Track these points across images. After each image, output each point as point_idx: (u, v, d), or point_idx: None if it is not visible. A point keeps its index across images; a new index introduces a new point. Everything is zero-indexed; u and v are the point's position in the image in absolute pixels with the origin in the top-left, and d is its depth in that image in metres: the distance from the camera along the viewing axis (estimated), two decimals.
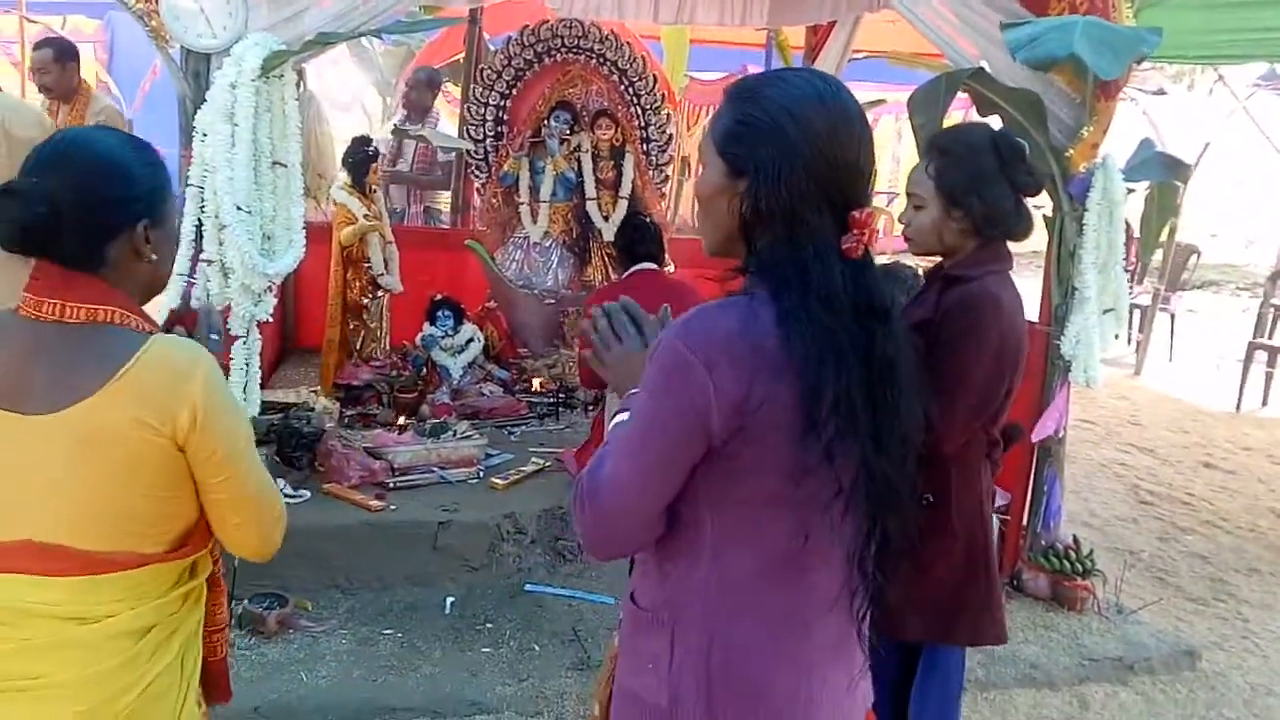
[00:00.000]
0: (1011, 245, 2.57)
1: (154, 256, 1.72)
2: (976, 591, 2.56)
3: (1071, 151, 4.20)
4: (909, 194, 2.56)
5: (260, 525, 1.77)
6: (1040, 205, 4.58)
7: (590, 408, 5.60)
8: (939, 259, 2.59)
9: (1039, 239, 4.99)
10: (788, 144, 1.46)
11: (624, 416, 1.60)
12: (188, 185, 3.56)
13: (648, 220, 4.89)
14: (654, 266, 4.61)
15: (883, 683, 2.62)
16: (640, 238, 4.62)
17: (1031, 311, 4.66)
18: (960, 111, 7.38)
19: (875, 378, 1.48)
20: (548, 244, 6.66)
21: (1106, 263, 4.32)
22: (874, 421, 1.47)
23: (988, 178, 2.46)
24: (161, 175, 1.76)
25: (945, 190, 2.48)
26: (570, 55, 6.61)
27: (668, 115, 6.96)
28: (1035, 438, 4.40)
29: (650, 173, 6.82)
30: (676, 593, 1.57)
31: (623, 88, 6.73)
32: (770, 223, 1.48)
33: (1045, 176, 2.53)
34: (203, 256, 3.59)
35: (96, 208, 1.65)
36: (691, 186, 9.23)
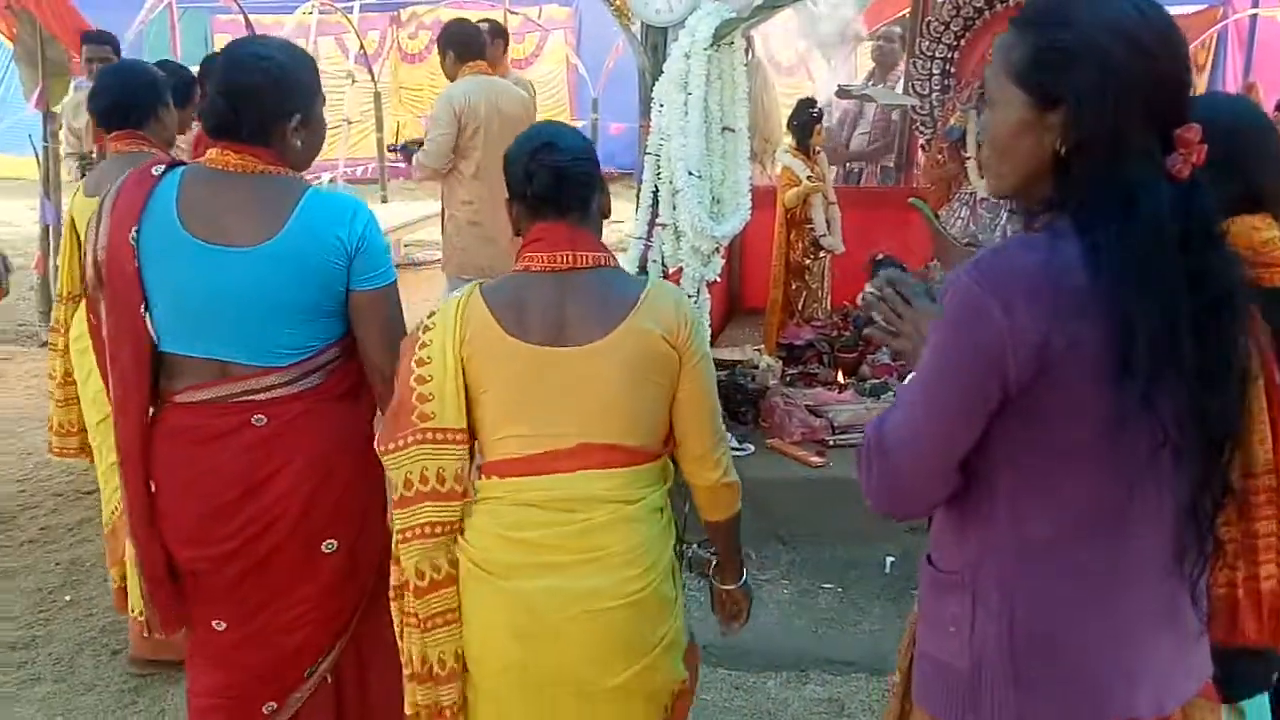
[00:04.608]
0: None
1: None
2: None
3: None
4: None
5: (711, 432, 2.12)
6: None
7: None
8: None
9: None
10: (1111, 65, 1.34)
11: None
12: (646, 154, 3.79)
13: None
14: None
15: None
16: None
17: None
18: None
19: (1207, 308, 1.34)
20: (995, 199, 6.38)
21: None
22: (1202, 357, 1.33)
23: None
24: None
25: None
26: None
27: None
28: None
29: None
30: (974, 553, 1.48)
31: None
32: (1091, 153, 1.36)
33: None
34: (658, 220, 3.82)
35: (594, 172, 2.10)
36: None
